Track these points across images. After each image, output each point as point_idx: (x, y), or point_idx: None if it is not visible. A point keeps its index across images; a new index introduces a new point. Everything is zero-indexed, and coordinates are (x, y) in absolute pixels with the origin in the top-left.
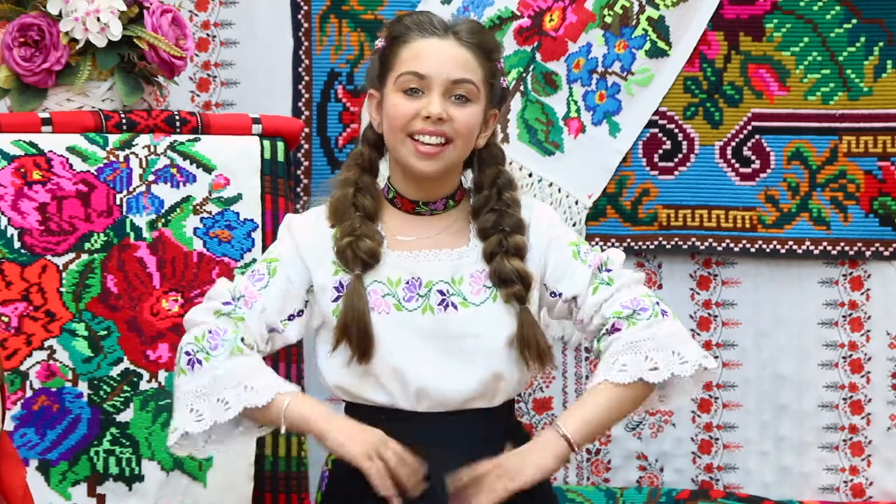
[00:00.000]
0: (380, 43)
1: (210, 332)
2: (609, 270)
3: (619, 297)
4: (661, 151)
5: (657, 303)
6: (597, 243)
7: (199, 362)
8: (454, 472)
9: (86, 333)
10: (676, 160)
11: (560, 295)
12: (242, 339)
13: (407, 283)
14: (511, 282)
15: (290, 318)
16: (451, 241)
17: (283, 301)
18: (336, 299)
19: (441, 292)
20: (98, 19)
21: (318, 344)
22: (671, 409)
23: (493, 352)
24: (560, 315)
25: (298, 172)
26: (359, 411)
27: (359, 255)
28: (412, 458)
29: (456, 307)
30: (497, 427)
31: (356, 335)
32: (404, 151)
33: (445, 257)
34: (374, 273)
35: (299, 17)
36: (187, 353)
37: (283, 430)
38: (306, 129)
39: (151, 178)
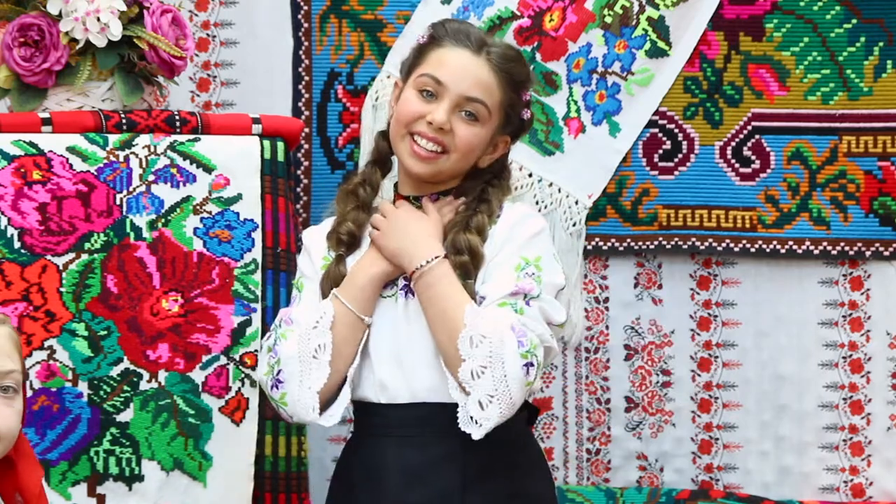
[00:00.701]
0: (422, 37)
1: (269, 357)
2: (528, 304)
3: (511, 320)
4: (661, 151)
5: (533, 361)
6: (597, 243)
7: (279, 382)
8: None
9: (86, 333)
10: (676, 160)
11: (476, 291)
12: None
13: None
14: (461, 251)
15: None
16: None
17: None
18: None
19: (406, 279)
20: (98, 19)
21: None
22: (671, 410)
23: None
24: None
25: (298, 172)
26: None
27: (340, 236)
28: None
29: (413, 294)
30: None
31: None
32: (401, 147)
33: None
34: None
35: (299, 17)
36: (272, 388)
37: (365, 319)
38: (306, 129)
39: (151, 178)
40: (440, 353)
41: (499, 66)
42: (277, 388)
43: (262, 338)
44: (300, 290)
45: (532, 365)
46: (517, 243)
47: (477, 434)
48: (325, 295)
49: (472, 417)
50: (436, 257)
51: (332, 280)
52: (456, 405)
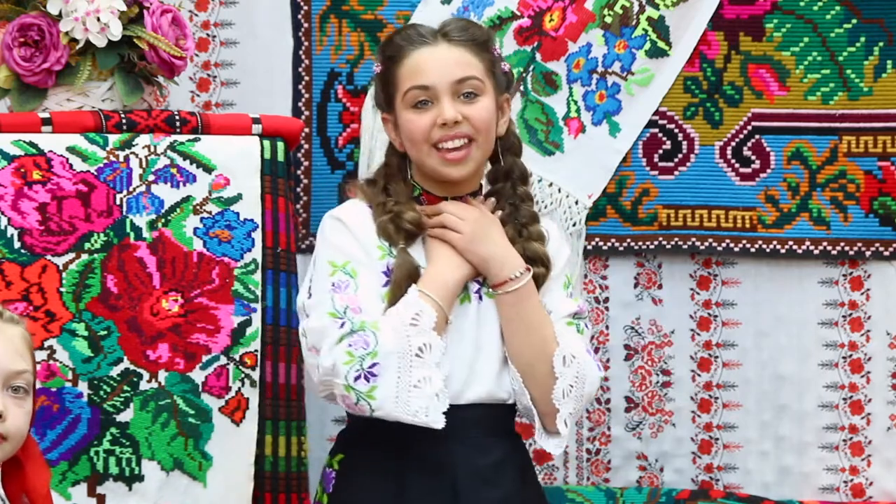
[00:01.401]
0: (377, 68)
1: (350, 345)
2: (583, 320)
3: (575, 341)
4: (661, 151)
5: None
6: (597, 243)
7: (373, 374)
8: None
9: (86, 333)
10: (676, 160)
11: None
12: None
13: None
14: (538, 261)
15: None
16: None
17: (378, 284)
18: (386, 284)
19: (477, 282)
20: (98, 19)
21: None
22: (671, 410)
23: (498, 342)
24: None
25: (298, 172)
26: None
27: (402, 226)
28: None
29: (481, 298)
30: (508, 424)
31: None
32: (431, 162)
33: None
34: (416, 257)
35: (299, 17)
36: (357, 378)
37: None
38: (306, 129)
39: (151, 178)
40: (519, 364)
41: (461, 39)
42: (368, 380)
43: (261, 336)
44: (353, 277)
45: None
46: (562, 262)
47: (557, 450)
48: (397, 286)
49: (547, 432)
50: (526, 269)
51: (407, 273)
52: (501, 406)
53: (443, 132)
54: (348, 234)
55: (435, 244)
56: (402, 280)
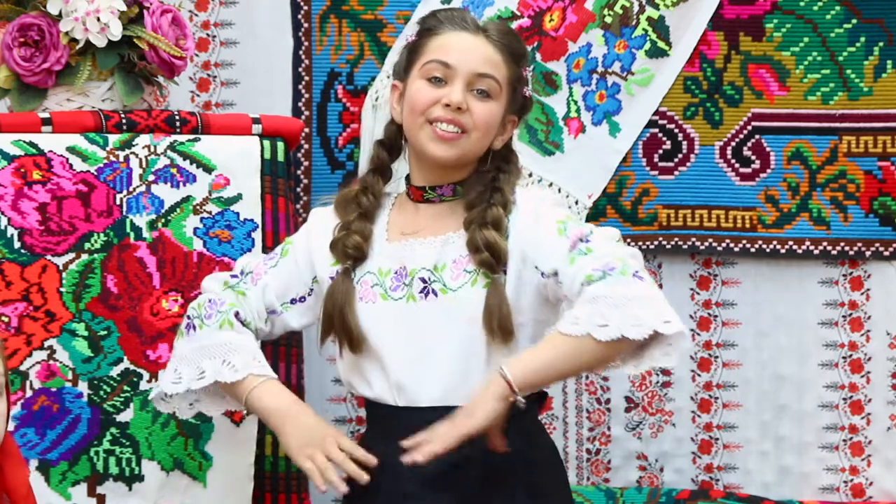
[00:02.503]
0: (411, 36)
1: (210, 301)
2: (587, 241)
3: (593, 262)
4: (661, 151)
5: (634, 268)
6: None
7: (194, 328)
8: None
9: (86, 333)
10: (676, 160)
11: (544, 273)
12: (237, 314)
13: (395, 272)
14: (479, 249)
15: (292, 301)
16: (448, 225)
17: (287, 284)
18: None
19: (423, 279)
20: (98, 19)
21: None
22: (671, 410)
23: (466, 339)
24: (556, 296)
25: (298, 172)
26: (367, 407)
27: (346, 249)
28: (361, 452)
29: (436, 294)
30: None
31: (338, 326)
32: (422, 136)
33: (430, 245)
34: (368, 264)
35: (299, 17)
36: (188, 317)
37: (243, 413)
38: (306, 129)
39: (151, 178)
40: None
41: (499, 42)
42: (188, 332)
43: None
44: (282, 255)
45: (641, 277)
46: (547, 217)
47: (669, 328)
48: (326, 316)
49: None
50: (502, 373)
51: (340, 297)
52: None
53: (443, 112)
54: (305, 229)
55: (373, 258)
56: (330, 309)
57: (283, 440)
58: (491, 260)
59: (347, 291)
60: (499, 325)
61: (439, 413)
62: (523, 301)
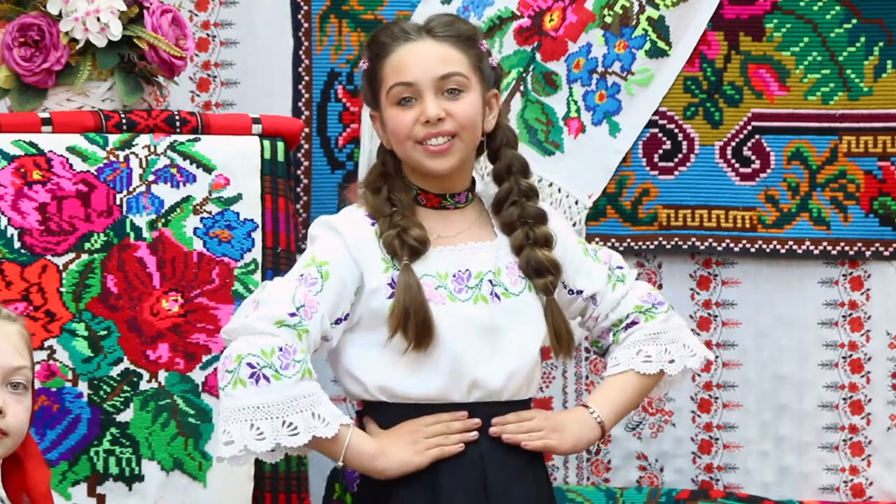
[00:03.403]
0: (363, 64)
1: (281, 349)
2: (620, 268)
3: (637, 293)
4: (661, 151)
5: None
6: (597, 243)
7: (267, 379)
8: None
9: (86, 333)
10: (676, 160)
11: (580, 292)
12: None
13: (454, 275)
14: (545, 271)
15: (337, 321)
16: (482, 233)
17: (336, 305)
18: (391, 296)
19: (491, 282)
20: (98, 19)
21: (353, 346)
22: (671, 410)
23: (532, 341)
24: (573, 314)
25: (298, 172)
26: (401, 411)
27: (407, 242)
28: (447, 415)
29: (499, 297)
30: None
31: (415, 321)
32: (416, 156)
33: (487, 249)
34: (422, 267)
35: (299, 17)
36: (251, 366)
37: (339, 463)
38: (306, 129)
39: (151, 178)
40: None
41: (446, 35)
42: (257, 382)
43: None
44: (324, 278)
45: (673, 307)
46: (570, 236)
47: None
48: (402, 309)
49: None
50: (590, 410)
51: (416, 291)
52: (524, 402)
53: (426, 129)
54: (339, 240)
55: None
56: (407, 303)
57: (394, 471)
58: (555, 282)
59: (420, 286)
60: (567, 343)
61: (509, 407)
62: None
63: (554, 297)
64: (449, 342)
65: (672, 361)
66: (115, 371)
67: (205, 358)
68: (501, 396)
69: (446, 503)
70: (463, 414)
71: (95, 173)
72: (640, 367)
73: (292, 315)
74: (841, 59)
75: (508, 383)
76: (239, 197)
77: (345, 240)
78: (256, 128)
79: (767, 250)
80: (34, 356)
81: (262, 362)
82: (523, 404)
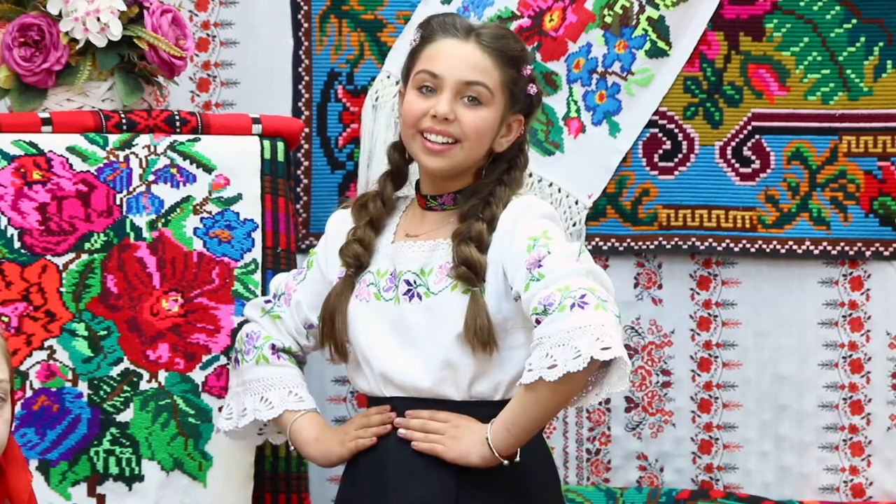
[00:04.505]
0: (414, 41)
1: (248, 335)
2: (540, 266)
3: (542, 293)
4: (661, 151)
5: (579, 294)
6: (597, 243)
7: (238, 362)
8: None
9: (86, 333)
10: (676, 160)
11: (514, 292)
12: (273, 347)
13: (391, 274)
14: (458, 265)
15: None
16: (437, 234)
17: (317, 294)
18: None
19: (408, 282)
20: (98, 19)
21: None
22: (671, 410)
23: (446, 339)
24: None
25: (298, 172)
26: (373, 403)
27: (346, 258)
28: (374, 409)
29: (420, 297)
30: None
31: (327, 331)
32: (414, 147)
33: (419, 248)
34: (372, 264)
35: (299, 17)
36: (235, 350)
37: (292, 448)
38: (306, 129)
39: (151, 178)
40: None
41: (490, 46)
42: (235, 366)
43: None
44: (308, 268)
45: (583, 305)
46: (522, 231)
47: (624, 382)
48: (327, 313)
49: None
50: (487, 427)
51: (332, 303)
52: (458, 403)
53: (432, 124)
54: (324, 236)
55: (374, 264)
56: (324, 315)
57: (321, 461)
58: (469, 274)
59: (340, 298)
60: (477, 337)
61: (428, 404)
62: (505, 307)
63: (475, 292)
64: (361, 338)
65: (553, 367)
66: (115, 371)
67: (205, 358)
68: (422, 394)
69: (358, 491)
70: (386, 408)
71: (95, 173)
72: (522, 379)
73: (267, 302)
74: (841, 59)
75: (422, 381)
76: (239, 197)
77: (327, 235)
78: (256, 128)
79: (767, 250)
80: (36, 355)
81: (238, 347)
82: (458, 406)
